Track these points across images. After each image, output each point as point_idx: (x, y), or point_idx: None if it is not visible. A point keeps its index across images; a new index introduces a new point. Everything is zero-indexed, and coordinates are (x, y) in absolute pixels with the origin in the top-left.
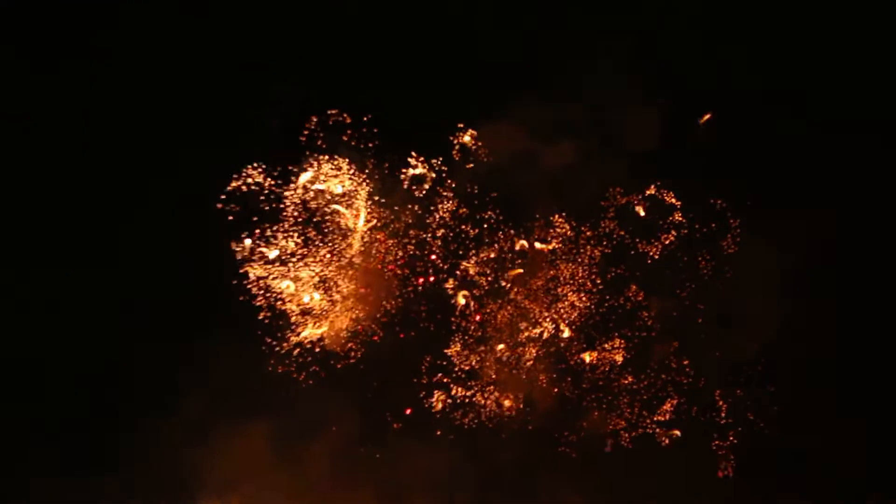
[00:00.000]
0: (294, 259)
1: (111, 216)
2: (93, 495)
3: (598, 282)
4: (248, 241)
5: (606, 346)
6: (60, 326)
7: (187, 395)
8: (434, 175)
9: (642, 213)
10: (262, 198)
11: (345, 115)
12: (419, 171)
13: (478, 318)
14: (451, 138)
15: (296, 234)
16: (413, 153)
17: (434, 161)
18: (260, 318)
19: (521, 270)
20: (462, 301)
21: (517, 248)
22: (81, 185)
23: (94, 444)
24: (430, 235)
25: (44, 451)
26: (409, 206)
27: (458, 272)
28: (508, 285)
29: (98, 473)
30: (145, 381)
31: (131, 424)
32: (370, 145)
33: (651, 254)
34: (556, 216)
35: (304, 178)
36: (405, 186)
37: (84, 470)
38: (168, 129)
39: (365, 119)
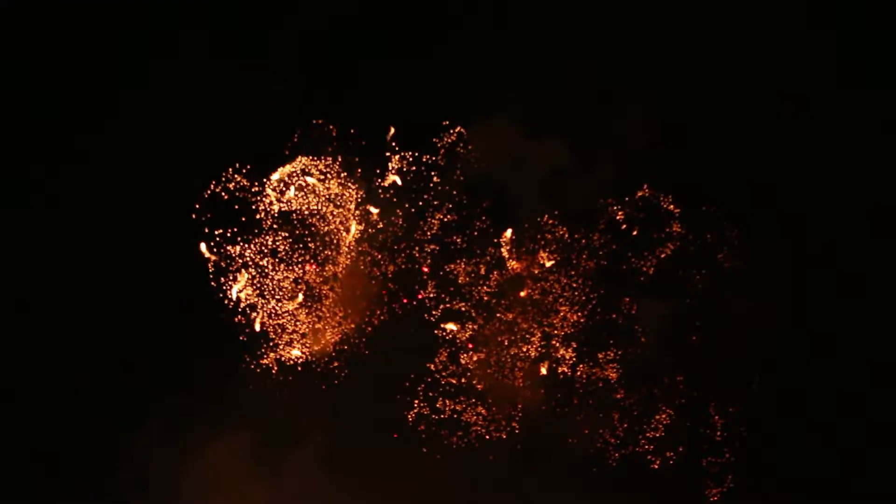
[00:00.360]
0: (276, 271)
1: (109, 219)
2: (91, 496)
3: (592, 295)
4: (206, 249)
5: (599, 356)
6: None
7: (173, 401)
8: (426, 182)
9: (635, 232)
10: (237, 206)
11: (331, 126)
12: (406, 178)
13: (470, 346)
14: (439, 142)
15: (280, 243)
16: (401, 159)
17: (423, 166)
18: (238, 332)
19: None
20: (453, 328)
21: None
22: (79, 189)
23: (80, 448)
24: (417, 249)
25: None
26: (398, 216)
27: (450, 288)
28: (495, 300)
29: (97, 475)
30: (131, 386)
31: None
32: (356, 159)
33: (646, 266)
34: (548, 221)
35: (277, 176)
36: (392, 196)
37: (79, 472)
38: (165, 132)
39: (352, 132)
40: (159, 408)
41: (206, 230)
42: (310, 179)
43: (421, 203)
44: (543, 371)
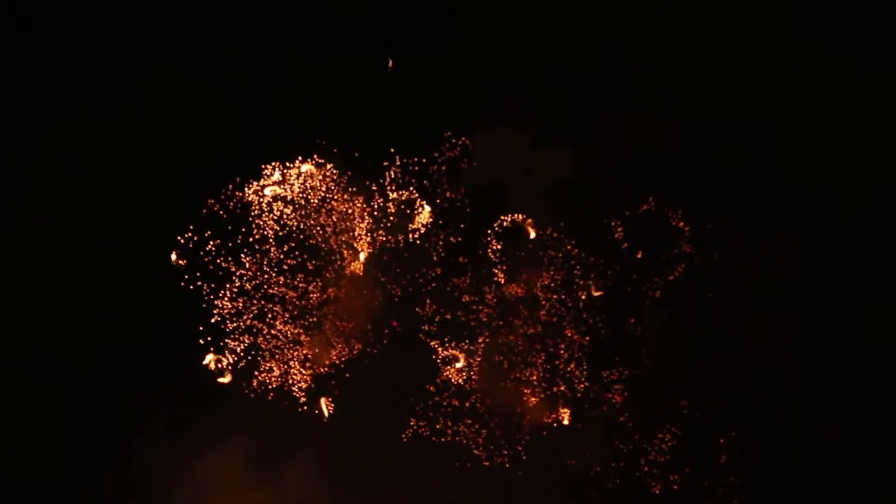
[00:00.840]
0: (277, 289)
1: (113, 225)
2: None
3: (598, 317)
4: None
5: (603, 373)
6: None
7: (169, 407)
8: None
9: (640, 255)
10: (230, 227)
11: (335, 150)
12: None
13: (474, 376)
14: (441, 156)
15: (284, 263)
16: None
17: (426, 181)
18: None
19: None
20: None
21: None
22: (79, 198)
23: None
24: (421, 270)
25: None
26: (403, 238)
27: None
28: (498, 322)
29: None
30: (126, 390)
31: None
32: (367, 180)
33: (651, 290)
34: (553, 235)
35: (269, 189)
36: (399, 220)
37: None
38: (168, 140)
39: (357, 155)
40: (158, 414)
41: (205, 248)
42: (304, 173)
43: (429, 225)
44: (538, 401)
